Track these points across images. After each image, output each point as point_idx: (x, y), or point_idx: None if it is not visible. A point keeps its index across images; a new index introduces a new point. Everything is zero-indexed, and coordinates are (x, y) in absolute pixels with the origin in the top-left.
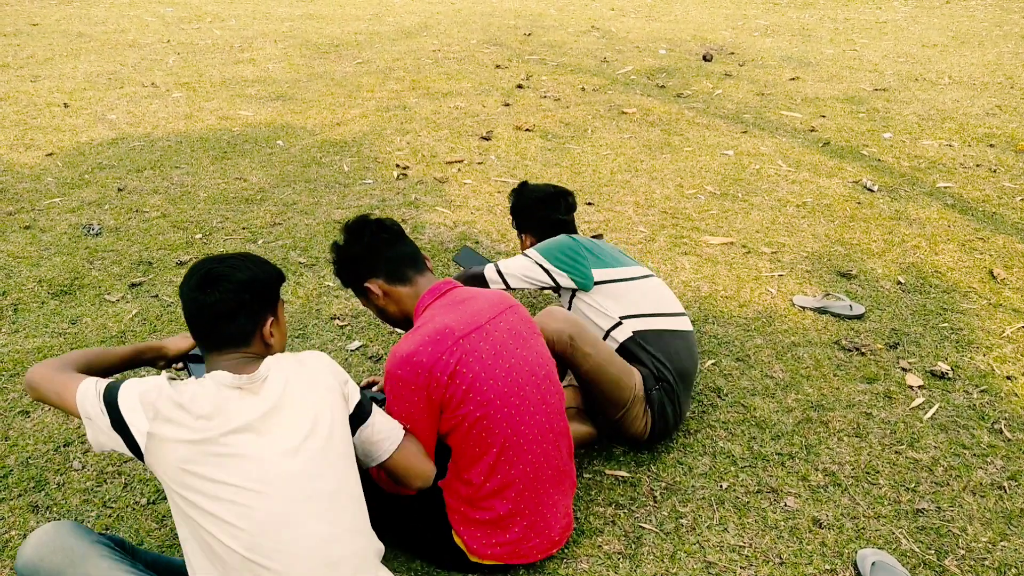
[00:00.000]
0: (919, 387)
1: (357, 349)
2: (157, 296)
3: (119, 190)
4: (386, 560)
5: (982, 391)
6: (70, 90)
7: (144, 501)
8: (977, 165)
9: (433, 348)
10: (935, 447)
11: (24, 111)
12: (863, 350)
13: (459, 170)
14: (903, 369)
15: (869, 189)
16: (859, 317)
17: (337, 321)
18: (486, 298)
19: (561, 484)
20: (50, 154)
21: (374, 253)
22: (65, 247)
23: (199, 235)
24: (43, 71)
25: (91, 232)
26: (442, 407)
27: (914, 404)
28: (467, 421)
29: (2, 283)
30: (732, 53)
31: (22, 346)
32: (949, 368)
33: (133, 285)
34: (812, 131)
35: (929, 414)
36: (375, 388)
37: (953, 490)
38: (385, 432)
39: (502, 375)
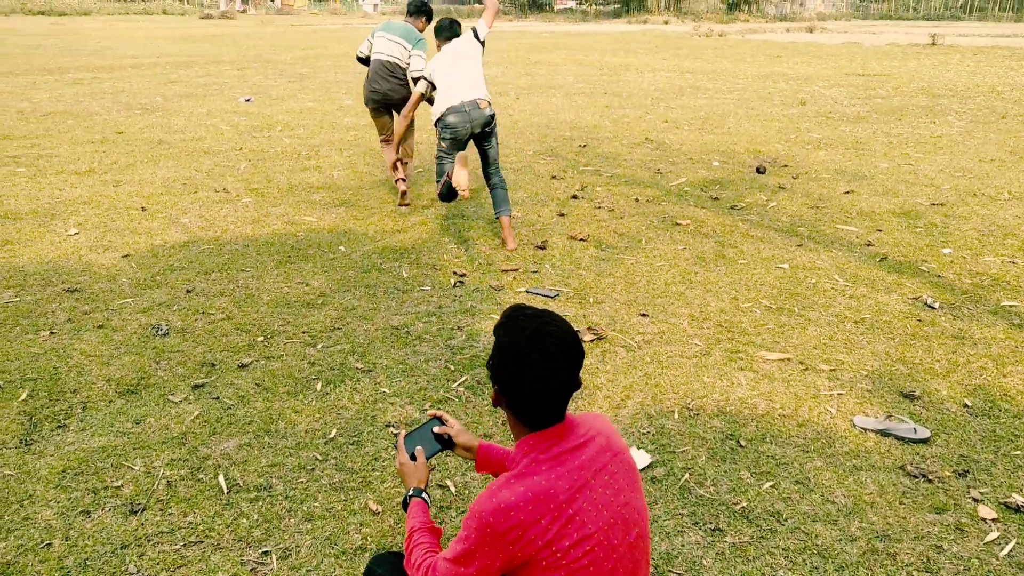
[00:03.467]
0: (993, 520)
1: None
2: (218, 398)
3: (188, 292)
4: None
5: None
6: (148, 194)
7: None
8: None
9: (535, 508)
10: None
11: (105, 214)
12: (930, 477)
13: (514, 278)
14: (974, 499)
15: (930, 306)
16: (924, 441)
17: (392, 429)
18: (595, 445)
19: None
20: (126, 255)
21: (523, 396)
22: (134, 347)
23: (261, 338)
24: (125, 176)
25: (159, 332)
26: (526, 563)
27: (988, 539)
28: None
29: (74, 381)
30: (786, 166)
31: (88, 444)
32: None
33: (196, 386)
34: (869, 245)
35: (1006, 550)
36: (437, 428)
37: None
38: None
39: (600, 539)
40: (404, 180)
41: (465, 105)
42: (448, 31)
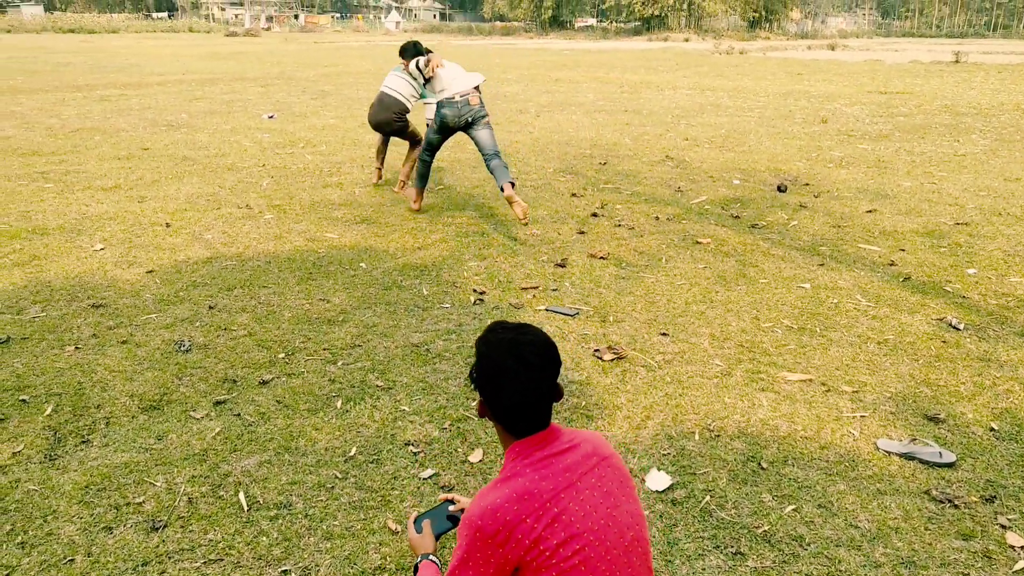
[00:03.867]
0: (1021, 547)
1: (429, 478)
2: (239, 415)
3: (210, 308)
4: None
5: None
6: (172, 210)
7: None
8: None
9: (519, 507)
10: None
11: (130, 230)
12: (956, 502)
13: (534, 296)
14: (1002, 526)
15: (955, 327)
16: (950, 465)
17: (411, 447)
18: (580, 450)
19: None
20: (150, 271)
21: (503, 402)
22: (157, 362)
23: (282, 354)
24: (150, 192)
25: (182, 348)
26: (519, 567)
27: (1017, 567)
28: None
29: (98, 396)
30: (807, 184)
31: (110, 460)
32: None
33: (217, 403)
34: (892, 265)
35: None
36: (452, 507)
37: None
38: None
39: (590, 539)
40: (380, 166)
41: (458, 102)
42: (413, 51)
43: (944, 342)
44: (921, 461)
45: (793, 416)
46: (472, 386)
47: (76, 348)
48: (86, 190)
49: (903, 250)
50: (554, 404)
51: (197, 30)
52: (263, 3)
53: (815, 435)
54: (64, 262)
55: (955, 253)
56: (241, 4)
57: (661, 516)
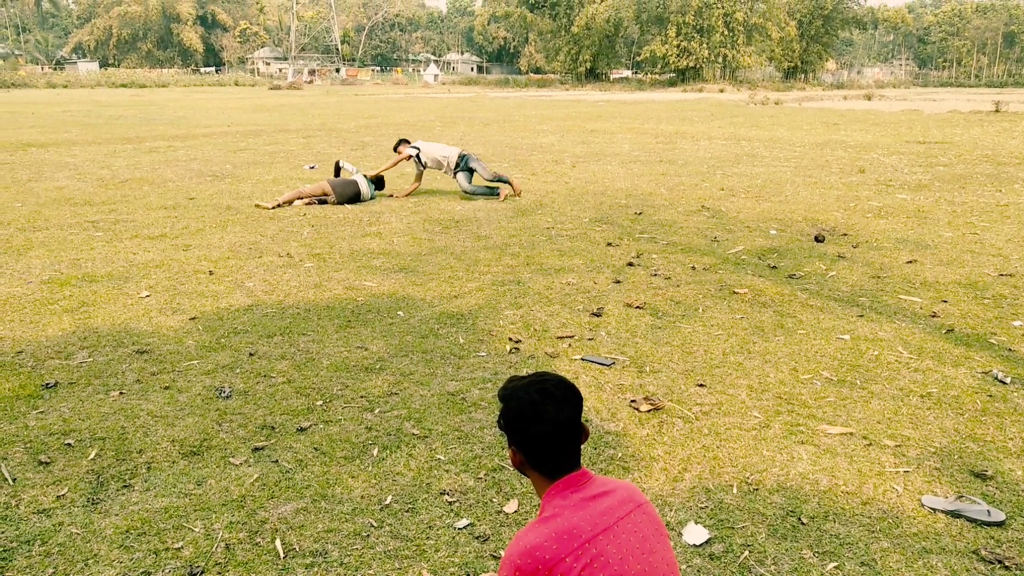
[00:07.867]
0: None
1: (465, 528)
2: (277, 462)
3: (250, 355)
4: None
5: None
6: (215, 258)
7: None
8: None
9: (559, 547)
10: None
11: (175, 277)
12: (1007, 563)
13: (570, 345)
14: None
15: (1001, 381)
16: (999, 524)
17: (446, 497)
18: (616, 495)
19: None
20: (193, 318)
21: (532, 439)
22: (198, 408)
23: (320, 402)
24: (194, 240)
25: (222, 395)
26: None
27: None
28: None
29: (140, 441)
30: (845, 234)
31: (151, 505)
32: None
33: (256, 449)
34: (934, 316)
35: None
36: None
37: None
38: None
39: None
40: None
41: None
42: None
43: (990, 396)
44: (968, 519)
45: (834, 470)
46: (500, 432)
47: (120, 393)
48: (134, 239)
49: (945, 301)
50: (591, 456)
51: (242, 84)
52: (306, 57)
53: (857, 490)
54: (111, 308)
55: (999, 305)
56: (285, 59)
57: (699, 571)
